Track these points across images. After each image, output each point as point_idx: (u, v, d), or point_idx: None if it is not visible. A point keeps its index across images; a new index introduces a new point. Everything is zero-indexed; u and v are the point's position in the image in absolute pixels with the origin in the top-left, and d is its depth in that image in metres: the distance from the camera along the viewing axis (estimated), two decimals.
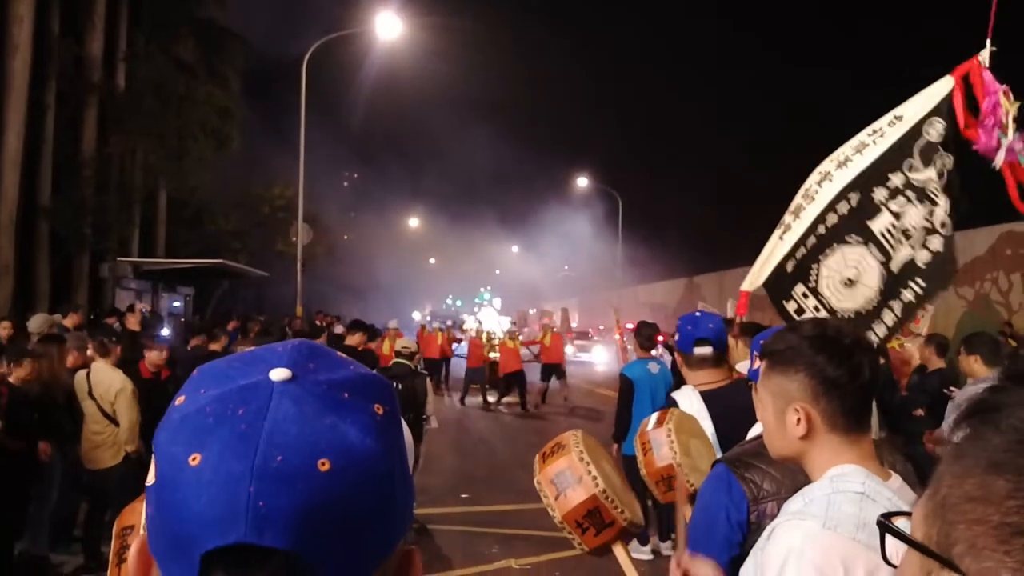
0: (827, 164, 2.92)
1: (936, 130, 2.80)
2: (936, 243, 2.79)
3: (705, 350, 3.26)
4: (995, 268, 15.07)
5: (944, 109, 2.82)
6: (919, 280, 2.79)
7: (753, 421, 2.30)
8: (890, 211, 2.79)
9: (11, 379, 5.81)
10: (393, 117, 70.30)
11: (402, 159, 71.75)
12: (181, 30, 21.77)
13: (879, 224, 2.80)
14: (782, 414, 1.63)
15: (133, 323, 9.96)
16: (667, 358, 9.20)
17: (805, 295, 2.97)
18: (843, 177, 2.85)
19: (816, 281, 2.86)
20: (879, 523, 0.65)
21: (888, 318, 2.80)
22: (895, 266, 2.79)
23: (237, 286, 23.06)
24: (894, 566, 0.66)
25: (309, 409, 0.60)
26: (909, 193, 2.78)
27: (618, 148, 71.27)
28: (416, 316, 54.60)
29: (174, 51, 21.39)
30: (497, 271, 76.03)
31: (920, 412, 6.10)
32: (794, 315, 3.07)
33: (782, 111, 59.97)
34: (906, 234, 2.78)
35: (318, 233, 25.62)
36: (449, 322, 29.07)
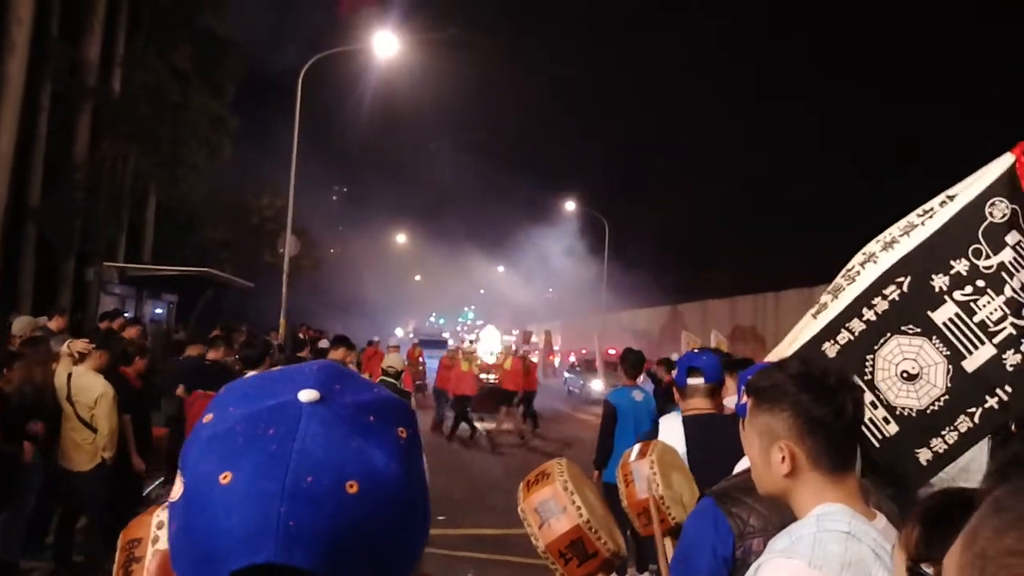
0: (872, 246, 2.70)
1: (1000, 210, 2.55)
2: None
3: (697, 380, 3.38)
4: None
5: (1005, 188, 2.56)
6: (1006, 387, 2.46)
7: (729, 450, 2.33)
8: (955, 301, 2.53)
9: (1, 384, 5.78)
10: (384, 134, 70.29)
11: (392, 176, 71.67)
12: (179, 38, 21.79)
13: (942, 315, 2.54)
14: (767, 452, 1.64)
15: (131, 333, 9.97)
16: (650, 386, 9.21)
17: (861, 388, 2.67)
18: (888, 259, 2.62)
19: (872, 373, 2.60)
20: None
21: (963, 426, 2.51)
22: (971, 366, 2.50)
23: (221, 296, 22.88)
24: None
25: (337, 432, 0.62)
26: (979, 283, 2.51)
27: (608, 174, 71.59)
28: (399, 333, 54.45)
29: (171, 58, 21.40)
30: (482, 291, 76.01)
31: None
32: None
33: (770, 142, 60.58)
34: (984, 329, 2.50)
35: (305, 246, 25.57)
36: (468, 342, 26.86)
